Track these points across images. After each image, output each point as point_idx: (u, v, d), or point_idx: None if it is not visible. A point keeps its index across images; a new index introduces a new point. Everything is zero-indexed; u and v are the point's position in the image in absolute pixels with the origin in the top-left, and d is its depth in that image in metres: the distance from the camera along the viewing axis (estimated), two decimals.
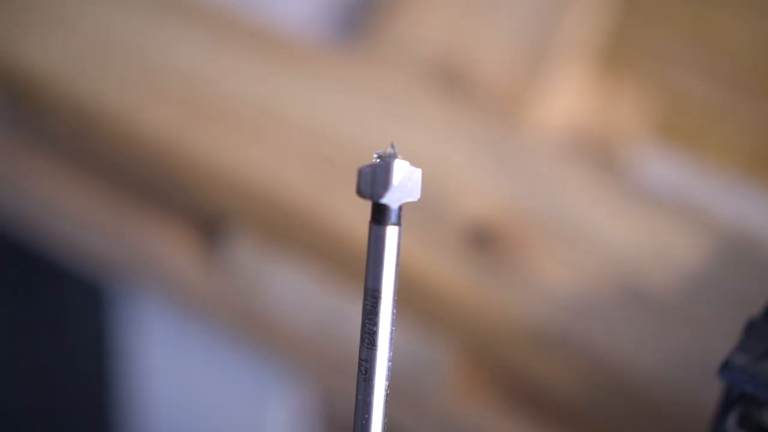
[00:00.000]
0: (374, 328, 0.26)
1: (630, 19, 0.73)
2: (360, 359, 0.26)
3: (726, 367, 0.36)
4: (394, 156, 0.24)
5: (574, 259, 0.46)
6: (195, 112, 0.51)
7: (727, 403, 0.38)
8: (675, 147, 0.67)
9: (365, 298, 0.26)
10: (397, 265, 0.26)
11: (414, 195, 0.24)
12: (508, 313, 0.44)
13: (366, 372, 0.26)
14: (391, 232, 0.25)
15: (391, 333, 0.26)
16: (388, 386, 0.26)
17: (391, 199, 0.24)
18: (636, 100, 0.66)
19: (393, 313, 0.26)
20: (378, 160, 0.24)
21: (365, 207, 0.42)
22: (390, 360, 0.26)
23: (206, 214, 0.52)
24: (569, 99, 0.66)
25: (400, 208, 0.25)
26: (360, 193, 0.24)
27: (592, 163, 0.51)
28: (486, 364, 0.50)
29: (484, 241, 0.46)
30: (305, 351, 0.52)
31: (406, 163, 0.24)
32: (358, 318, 0.49)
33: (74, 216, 0.56)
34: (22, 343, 0.90)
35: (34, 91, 0.52)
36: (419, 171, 0.24)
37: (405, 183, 0.24)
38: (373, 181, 0.24)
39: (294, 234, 0.48)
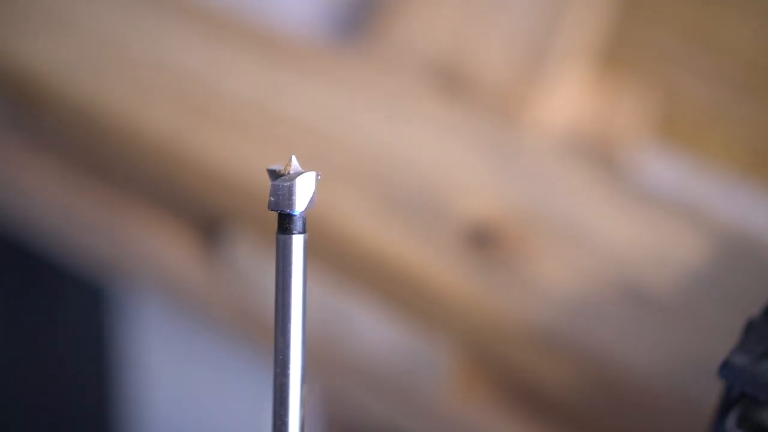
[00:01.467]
0: (286, 340, 0.28)
1: (630, 19, 0.73)
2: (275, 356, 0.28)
3: (725, 367, 0.36)
4: (298, 170, 0.27)
5: (574, 259, 0.46)
6: (195, 111, 0.51)
7: (727, 403, 0.38)
8: (675, 147, 0.67)
9: (275, 310, 0.28)
10: (305, 272, 0.28)
11: (313, 205, 0.27)
12: (508, 313, 0.44)
13: (282, 369, 0.29)
14: (297, 240, 0.28)
15: (303, 339, 0.29)
16: (302, 390, 0.28)
17: (297, 210, 0.27)
18: (636, 101, 0.67)
19: (303, 320, 0.28)
20: (283, 175, 0.27)
21: (366, 206, 0.42)
22: (304, 359, 0.29)
23: (206, 213, 0.52)
24: (569, 99, 0.66)
25: (304, 218, 0.27)
26: (270, 207, 0.27)
27: (592, 163, 0.51)
28: (486, 364, 0.50)
29: (483, 241, 0.46)
30: (310, 351, 0.52)
31: (312, 175, 0.27)
32: (359, 317, 0.49)
33: (74, 216, 0.56)
34: (22, 343, 0.90)
35: (34, 91, 0.52)
36: (315, 178, 0.27)
37: (307, 194, 0.27)
38: (280, 195, 0.27)
39: None
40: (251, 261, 0.51)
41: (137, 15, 0.56)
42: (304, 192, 0.27)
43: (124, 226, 0.55)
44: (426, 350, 0.48)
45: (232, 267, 0.52)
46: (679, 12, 0.74)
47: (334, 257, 0.48)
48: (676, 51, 0.72)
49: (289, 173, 0.27)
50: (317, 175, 0.27)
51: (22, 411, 0.94)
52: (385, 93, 0.53)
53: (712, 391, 0.40)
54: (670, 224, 0.48)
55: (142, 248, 0.55)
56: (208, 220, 0.55)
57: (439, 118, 0.52)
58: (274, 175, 0.27)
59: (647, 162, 0.65)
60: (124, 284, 0.60)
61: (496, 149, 0.51)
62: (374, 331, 0.49)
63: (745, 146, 0.67)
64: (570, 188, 0.49)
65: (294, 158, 0.27)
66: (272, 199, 0.27)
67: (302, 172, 0.27)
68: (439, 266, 0.45)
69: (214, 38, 0.55)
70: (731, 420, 0.37)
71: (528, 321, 0.44)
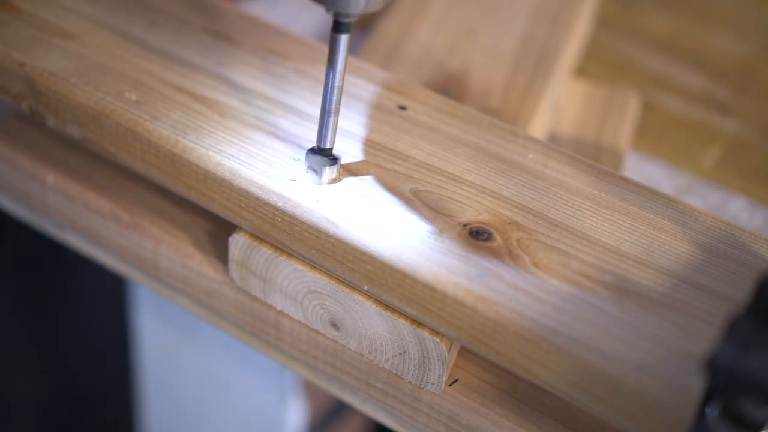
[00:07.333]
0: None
1: (619, 34, 0.74)
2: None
3: (708, 360, 0.37)
4: None
5: (571, 259, 0.46)
6: (204, 114, 0.51)
7: (709, 396, 0.38)
8: (664, 152, 0.67)
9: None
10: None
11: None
12: (507, 312, 0.44)
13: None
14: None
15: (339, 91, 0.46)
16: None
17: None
18: (628, 109, 0.67)
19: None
20: None
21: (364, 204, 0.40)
22: None
23: (216, 213, 0.51)
24: (565, 106, 0.67)
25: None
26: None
27: (586, 166, 0.51)
28: (486, 364, 0.51)
29: (483, 241, 0.46)
30: (310, 349, 0.52)
31: None
32: (362, 316, 0.49)
33: (93, 213, 0.57)
34: (49, 327, 0.91)
35: (52, 95, 0.53)
36: None
37: None
38: None
39: (299, 234, 0.48)
40: (261, 261, 0.51)
41: (145, 22, 0.56)
42: None
43: (137, 224, 0.55)
44: (425, 350, 0.48)
45: (241, 266, 0.52)
46: (663, 28, 0.75)
47: (337, 258, 0.47)
48: (661, 65, 0.73)
49: None
50: None
51: (45, 394, 0.95)
52: (386, 98, 0.54)
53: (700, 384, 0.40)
54: (661, 224, 0.48)
55: (154, 246, 0.55)
56: (218, 220, 0.55)
57: (440, 122, 0.53)
58: None
59: (639, 164, 0.66)
60: (136, 280, 0.60)
61: (495, 152, 0.51)
62: (373, 325, 0.49)
63: (729, 157, 0.68)
64: (566, 190, 0.50)
65: None
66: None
67: None
68: (439, 266, 0.45)
69: (219, 40, 0.56)
70: (713, 412, 0.38)
71: (527, 320, 0.43)
